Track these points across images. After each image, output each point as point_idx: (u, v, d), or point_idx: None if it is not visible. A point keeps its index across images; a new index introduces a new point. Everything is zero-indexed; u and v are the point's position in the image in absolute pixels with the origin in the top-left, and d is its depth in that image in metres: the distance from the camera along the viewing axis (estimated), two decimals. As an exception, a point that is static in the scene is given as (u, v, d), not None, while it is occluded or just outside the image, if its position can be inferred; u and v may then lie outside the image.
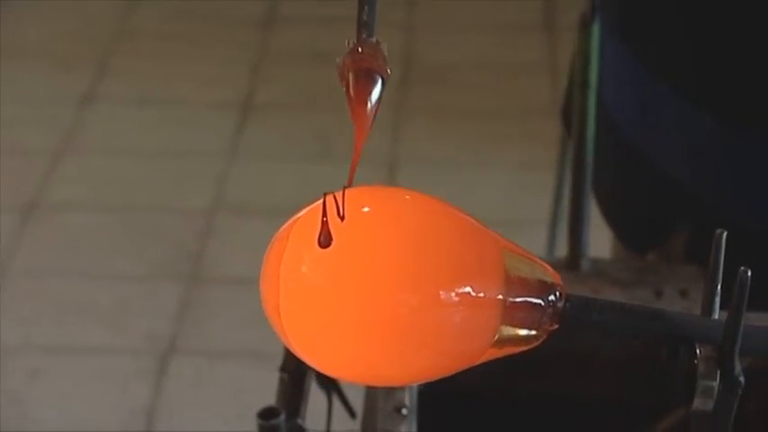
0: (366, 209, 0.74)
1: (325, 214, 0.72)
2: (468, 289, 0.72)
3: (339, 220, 0.72)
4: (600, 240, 1.43)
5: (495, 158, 2.95)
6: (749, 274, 0.73)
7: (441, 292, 0.72)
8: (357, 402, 1.14)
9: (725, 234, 0.77)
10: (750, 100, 1.20)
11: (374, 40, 0.77)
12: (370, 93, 0.75)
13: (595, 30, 1.18)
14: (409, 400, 1.05)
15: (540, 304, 0.74)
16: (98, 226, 2.80)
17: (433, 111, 3.14)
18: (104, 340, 2.49)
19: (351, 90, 0.75)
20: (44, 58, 3.41)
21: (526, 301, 0.74)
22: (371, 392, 1.08)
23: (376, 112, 0.75)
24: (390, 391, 1.06)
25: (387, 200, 0.76)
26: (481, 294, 0.73)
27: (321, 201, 0.72)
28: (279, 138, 3.09)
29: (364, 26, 0.77)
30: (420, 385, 1.09)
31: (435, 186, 3.11)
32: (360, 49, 0.76)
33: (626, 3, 1.27)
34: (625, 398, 1.14)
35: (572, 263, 1.23)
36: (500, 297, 0.73)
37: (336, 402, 1.13)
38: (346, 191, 0.73)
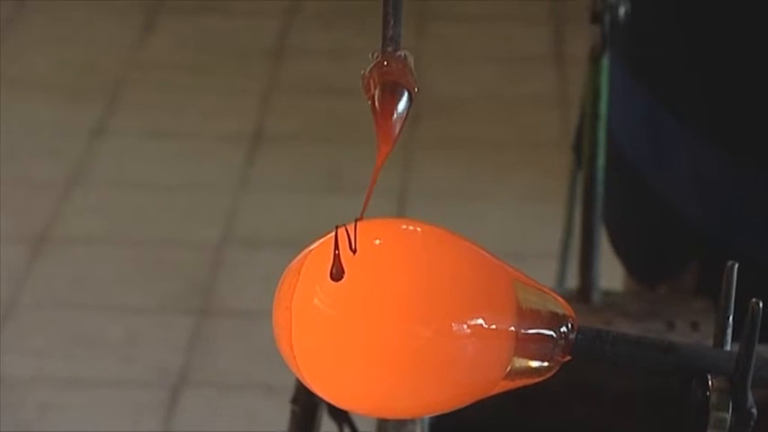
0: (378, 241, 0.74)
1: (337, 247, 0.72)
2: (480, 321, 0.73)
3: (351, 253, 0.72)
4: (611, 272, 1.43)
5: (504, 190, 2.95)
6: (761, 305, 0.73)
7: (453, 324, 0.72)
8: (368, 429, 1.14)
9: (736, 266, 0.77)
10: (758, 134, 1.21)
11: (402, 53, 0.76)
12: (396, 106, 0.74)
13: (605, 62, 1.19)
14: (421, 429, 1.06)
15: (552, 336, 0.75)
16: (108, 259, 2.80)
17: (442, 143, 3.15)
18: (115, 373, 2.50)
19: (377, 103, 0.74)
20: (54, 89, 3.42)
21: (538, 333, 0.74)
22: (383, 425, 1.08)
23: (402, 126, 0.75)
24: (401, 424, 1.06)
25: (398, 232, 0.76)
26: (493, 326, 0.73)
27: (333, 233, 0.73)
28: (289, 170, 3.10)
29: (390, 39, 0.76)
30: (431, 419, 1.09)
31: (445, 217, 3.15)
32: (386, 62, 0.75)
33: (635, 36, 1.28)
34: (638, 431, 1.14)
35: (583, 295, 1.23)
36: (512, 329, 0.73)
37: (348, 433, 1.14)
38: (358, 223, 0.74)
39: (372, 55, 0.76)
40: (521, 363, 0.75)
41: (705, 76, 1.22)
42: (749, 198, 1.23)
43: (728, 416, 0.74)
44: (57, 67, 3.52)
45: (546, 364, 0.76)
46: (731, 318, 0.78)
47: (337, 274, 0.72)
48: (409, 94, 0.74)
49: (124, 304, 2.67)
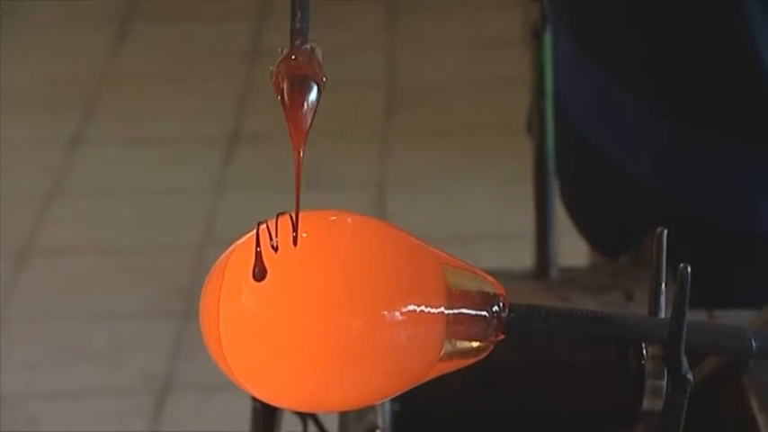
0: (304, 235, 0.73)
1: (258, 245, 0.72)
2: (410, 307, 0.72)
3: (273, 250, 0.72)
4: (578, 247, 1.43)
5: (481, 174, 2.95)
6: (689, 270, 0.73)
7: (383, 312, 0.72)
8: (333, 426, 1.14)
9: (665, 232, 0.77)
10: (709, 103, 1.21)
11: (308, 46, 0.76)
12: (305, 99, 0.74)
13: (547, 39, 1.18)
14: (382, 421, 1.05)
15: (483, 316, 0.74)
16: (91, 267, 2.80)
17: (418, 133, 3.15)
18: (101, 381, 2.49)
19: (286, 97, 0.74)
20: (31, 102, 3.42)
21: (470, 314, 0.74)
22: (344, 417, 1.07)
23: (312, 118, 0.75)
24: (362, 413, 1.05)
25: (323, 225, 0.76)
26: (424, 310, 0.73)
27: (255, 230, 0.72)
28: (266, 170, 3.09)
29: (298, 33, 0.76)
30: (393, 405, 1.09)
31: (425, 205, 3.12)
32: (294, 57, 0.75)
33: (581, 11, 1.28)
34: (600, 405, 1.14)
35: (541, 272, 1.23)
36: (443, 311, 0.73)
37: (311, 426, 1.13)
38: (279, 219, 0.73)
39: (281, 50, 0.76)
40: (454, 345, 0.75)
41: (653, 47, 1.22)
42: (704, 167, 1.23)
43: (664, 383, 0.74)
44: (34, 80, 3.51)
45: (480, 343, 0.75)
46: (664, 285, 0.78)
47: (260, 273, 0.71)
48: (318, 86, 0.74)
49: (109, 312, 2.67)
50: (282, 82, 0.74)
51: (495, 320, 0.75)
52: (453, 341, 0.74)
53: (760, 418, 1.05)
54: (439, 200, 2.81)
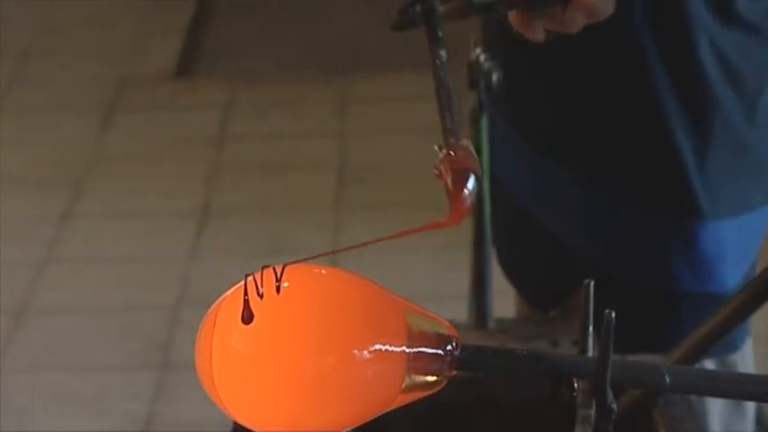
0: (286, 284, 0.75)
1: (246, 293, 0.73)
2: (376, 346, 0.73)
3: (258, 298, 0.73)
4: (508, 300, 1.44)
5: (421, 242, 2.96)
6: (613, 315, 0.74)
7: (354, 351, 0.73)
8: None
9: (592, 284, 0.78)
10: (625, 175, 1.22)
11: (463, 142, 0.79)
12: (465, 187, 0.77)
13: (484, 123, 1.20)
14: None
15: (439, 354, 0.75)
16: (79, 325, 2.78)
17: (366, 205, 3.16)
18: (90, 425, 2.47)
19: (450, 186, 0.78)
20: (25, 182, 3.40)
21: (427, 352, 0.75)
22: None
23: (471, 203, 0.78)
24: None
25: (303, 276, 0.77)
26: (388, 349, 0.74)
27: (243, 282, 0.73)
28: (234, 239, 3.09)
29: (451, 132, 0.81)
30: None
31: (373, 269, 3.11)
32: (453, 152, 0.79)
33: (517, 104, 1.29)
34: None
35: (480, 323, 1.24)
36: (404, 350, 0.74)
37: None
38: (264, 271, 0.74)
39: (438, 147, 0.79)
40: (414, 378, 0.75)
41: (581, 135, 1.23)
42: (628, 234, 1.24)
43: (593, 412, 0.75)
44: (27, 163, 3.50)
45: (436, 378, 0.76)
46: (591, 328, 0.79)
47: (248, 317, 0.72)
48: (475, 175, 0.78)
49: (95, 364, 2.65)
50: (447, 174, 0.78)
51: (449, 358, 0.76)
52: (413, 376, 0.75)
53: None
54: (385, 264, 2.80)
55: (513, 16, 0.94)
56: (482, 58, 1.18)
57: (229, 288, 0.76)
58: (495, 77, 1.18)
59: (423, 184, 3.25)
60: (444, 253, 2.79)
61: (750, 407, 1.31)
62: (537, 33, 0.92)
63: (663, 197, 1.19)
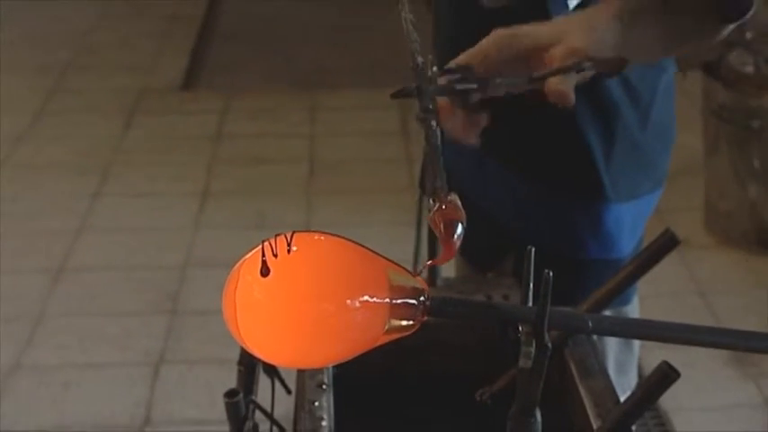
0: (294, 248, 0.73)
1: (263, 254, 0.71)
2: (365, 297, 0.72)
3: (274, 257, 0.71)
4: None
5: (374, 220, 2.95)
6: (551, 275, 0.73)
7: (348, 301, 0.71)
8: (291, 381, 1.12)
9: (533, 250, 0.77)
10: (547, 170, 1.20)
11: (451, 197, 0.79)
12: (454, 233, 0.78)
13: (433, 123, 1.18)
14: (327, 378, 1.04)
15: (414, 303, 0.74)
16: (107, 281, 2.73)
17: (332, 191, 3.13)
18: (114, 357, 2.43)
19: (442, 233, 0.78)
20: (65, 168, 3.35)
21: (405, 302, 0.74)
22: (301, 375, 1.06)
23: (458, 244, 0.78)
24: (314, 373, 1.04)
25: (308, 240, 0.75)
26: (375, 300, 0.72)
27: (260, 245, 0.72)
28: (228, 215, 3.06)
29: (441, 189, 0.80)
30: (334, 367, 1.07)
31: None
32: (444, 206, 0.79)
33: None
34: (479, 372, 1.13)
35: (431, 281, 1.22)
36: (387, 300, 0.73)
37: (277, 384, 1.11)
38: (278, 237, 0.72)
39: (431, 201, 0.80)
40: (394, 323, 0.74)
41: (514, 138, 1.21)
42: (548, 213, 1.22)
43: (533, 349, 0.74)
44: (67, 153, 3.43)
45: (411, 322, 0.75)
46: (531, 285, 0.78)
47: (265, 271, 0.70)
48: (462, 224, 0.78)
49: (119, 311, 2.61)
50: (440, 223, 0.78)
51: (421, 306, 0.74)
52: (393, 321, 0.74)
53: (578, 380, 1.05)
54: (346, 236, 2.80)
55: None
56: (434, 69, 1.16)
57: (247, 252, 0.74)
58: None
59: (376, 175, 3.25)
60: (393, 227, 2.77)
61: (636, 346, 1.31)
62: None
63: (577, 185, 1.18)
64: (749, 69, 2.62)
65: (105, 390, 2.32)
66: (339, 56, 4.09)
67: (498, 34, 0.94)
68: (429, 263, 0.83)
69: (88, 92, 3.90)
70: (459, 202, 0.78)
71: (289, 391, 1.12)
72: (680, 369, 0.80)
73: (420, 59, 0.79)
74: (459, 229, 0.77)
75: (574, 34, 0.92)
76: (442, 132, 1.14)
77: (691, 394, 2.15)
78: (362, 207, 3.02)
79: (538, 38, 0.94)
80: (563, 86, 0.89)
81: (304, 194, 3.14)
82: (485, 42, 0.95)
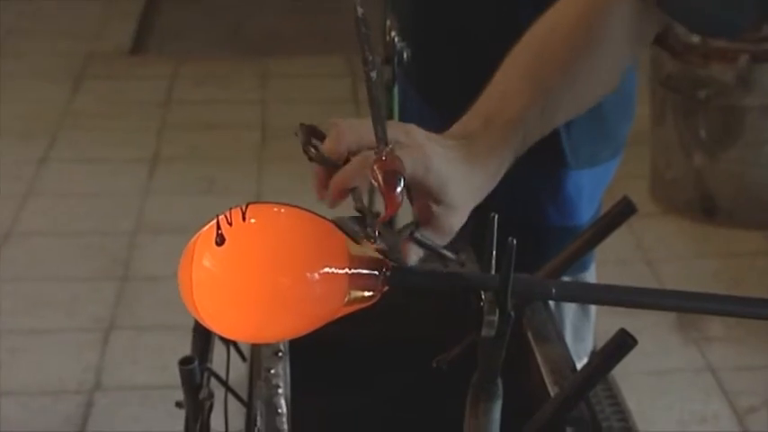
0: (252, 220, 0.69)
1: (218, 225, 0.67)
2: (325, 269, 0.69)
3: (229, 225, 0.67)
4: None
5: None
6: (514, 242, 0.71)
7: (307, 273, 0.68)
8: (246, 349, 1.09)
9: (496, 217, 0.75)
10: None
11: (390, 148, 0.73)
12: (397, 185, 0.72)
13: (395, 91, 1.16)
14: (283, 345, 1.01)
15: (375, 274, 0.71)
16: (54, 246, 2.67)
17: (283, 158, 3.08)
18: (62, 323, 2.38)
19: (382, 185, 0.72)
20: (10, 132, 3.26)
21: (364, 273, 0.71)
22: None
23: (402, 197, 0.72)
24: (271, 340, 1.01)
25: (264, 212, 0.71)
26: (334, 271, 0.69)
27: (215, 218, 0.68)
28: (177, 181, 3.00)
29: (381, 141, 0.74)
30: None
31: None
32: (384, 158, 0.73)
33: (425, 78, 1.23)
34: (437, 339, 1.11)
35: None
36: (347, 271, 0.70)
37: (232, 350, 1.08)
38: (233, 209, 0.69)
39: (374, 153, 0.73)
40: (355, 294, 0.71)
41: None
42: (510, 179, 1.19)
43: (495, 318, 0.72)
44: (12, 118, 3.34)
45: (372, 293, 0.72)
46: (494, 253, 0.75)
47: (220, 240, 0.67)
48: (403, 176, 0.72)
49: (67, 276, 2.54)
50: (378, 174, 0.73)
51: (381, 277, 0.72)
52: (353, 292, 0.71)
53: (535, 347, 1.04)
54: (297, 203, 2.76)
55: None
56: (396, 39, 1.13)
57: (202, 227, 0.70)
58: (405, 55, 1.14)
59: (327, 141, 3.21)
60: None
61: (592, 313, 1.30)
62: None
63: (538, 151, 1.16)
64: (696, 39, 2.62)
65: (54, 356, 2.27)
66: (291, 22, 4.03)
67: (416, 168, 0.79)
68: (378, 220, 0.75)
69: (34, 56, 3.80)
70: (400, 156, 0.74)
71: (244, 359, 1.09)
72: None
73: (360, 10, 0.75)
74: (401, 181, 0.72)
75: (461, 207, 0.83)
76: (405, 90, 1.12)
77: (637, 359, 2.16)
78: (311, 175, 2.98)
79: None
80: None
81: (255, 161, 3.09)
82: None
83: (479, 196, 0.84)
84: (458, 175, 0.81)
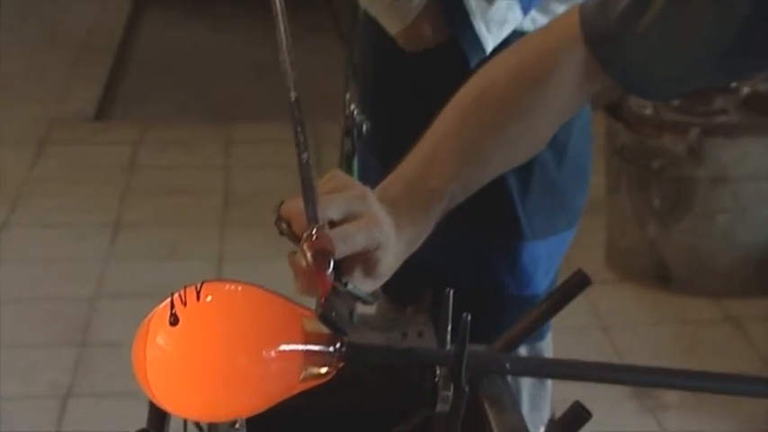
0: (208, 298, 0.69)
1: (172, 304, 0.67)
2: (281, 347, 0.69)
3: (183, 305, 0.67)
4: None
5: (287, 252, 2.90)
6: (469, 318, 0.71)
7: (263, 351, 0.68)
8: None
9: (452, 292, 0.75)
10: (468, 215, 1.17)
11: (321, 224, 0.73)
12: (326, 264, 0.71)
13: (355, 162, 1.16)
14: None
15: (330, 351, 0.71)
16: (14, 311, 2.62)
17: (246, 223, 3.08)
18: (20, 389, 2.33)
19: (311, 264, 0.71)
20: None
21: (320, 350, 0.71)
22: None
23: (332, 277, 0.72)
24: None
25: (219, 290, 0.71)
26: (289, 349, 0.69)
27: (170, 296, 0.68)
28: (139, 246, 2.97)
29: (312, 219, 0.74)
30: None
31: (250, 273, 3.04)
32: (314, 236, 0.72)
33: (382, 148, 1.23)
34: (392, 409, 1.10)
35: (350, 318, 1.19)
36: (302, 349, 0.70)
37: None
38: (187, 288, 0.68)
39: (305, 235, 0.73)
40: (310, 371, 0.71)
41: None
42: (468, 253, 1.20)
43: (450, 393, 0.72)
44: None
45: (327, 369, 0.72)
46: (449, 328, 0.75)
47: (174, 320, 0.67)
48: (332, 254, 0.72)
49: (26, 342, 2.50)
50: (307, 252, 0.72)
51: (337, 353, 0.71)
52: (309, 368, 0.71)
53: (492, 418, 1.03)
54: (259, 269, 2.74)
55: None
56: (355, 112, 1.14)
57: (161, 302, 0.70)
58: (365, 127, 1.14)
59: (289, 208, 3.21)
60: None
61: (549, 382, 1.30)
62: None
63: (494, 222, 1.17)
64: (648, 111, 2.67)
65: (11, 423, 2.21)
66: (255, 88, 4.05)
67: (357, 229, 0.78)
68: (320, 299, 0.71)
69: (-3, 120, 3.78)
70: (330, 235, 0.73)
71: (201, 430, 1.07)
72: (584, 401, 0.78)
73: (294, 94, 0.76)
74: (330, 259, 0.72)
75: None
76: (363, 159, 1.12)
77: (593, 426, 2.16)
78: (276, 239, 2.95)
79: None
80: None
81: (217, 226, 3.08)
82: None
83: (397, 265, 0.82)
84: (392, 244, 0.79)
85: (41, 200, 3.22)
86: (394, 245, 0.79)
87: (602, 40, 0.83)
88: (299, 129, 0.75)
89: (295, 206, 0.77)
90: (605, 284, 2.73)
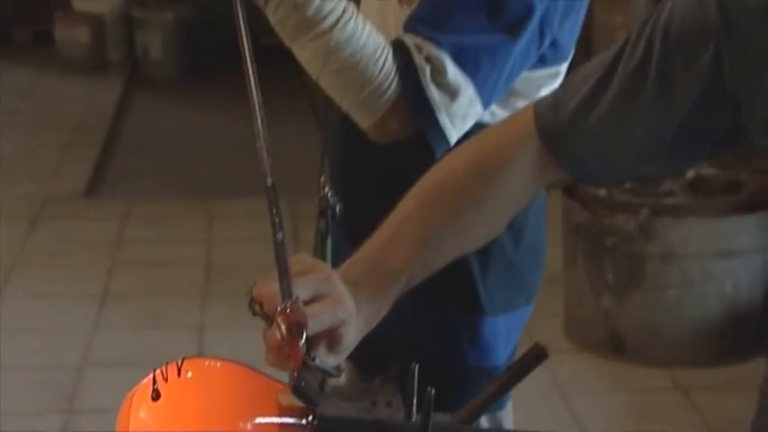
0: (189, 374, 0.69)
1: (155, 380, 0.67)
2: (257, 420, 0.69)
3: (164, 381, 0.67)
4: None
5: (261, 321, 2.88)
6: (433, 391, 0.71)
7: (240, 424, 0.68)
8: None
9: (417, 366, 0.75)
10: (435, 290, 1.17)
11: (296, 299, 0.74)
12: (298, 337, 0.72)
13: (329, 241, 1.17)
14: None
15: (302, 423, 0.71)
16: (7, 380, 2.58)
17: (226, 293, 3.05)
18: (7, 457, 2.28)
19: (285, 335, 0.72)
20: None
21: (293, 422, 0.71)
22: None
23: (305, 348, 0.72)
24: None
25: (200, 366, 0.71)
26: (265, 421, 0.69)
27: (152, 371, 0.68)
28: (126, 316, 2.95)
29: (287, 294, 0.74)
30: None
31: (231, 342, 3.01)
32: (288, 310, 0.73)
33: (354, 231, 1.23)
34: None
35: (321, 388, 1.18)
36: (276, 421, 0.70)
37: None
38: (169, 364, 0.68)
39: (278, 308, 0.73)
40: (284, 441, 0.70)
41: None
42: (430, 323, 1.19)
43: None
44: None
45: (300, 441, 0.71)
46: (415, 400, 0.75)
47: (156, 396, 0.67)
48: (304, 328, 0.72)
49: (14, 410, 2.45)
50: (282, 325, 0.73)
51: (309, 426, 0.71)
52: (283, 439, 0.70)
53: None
54: (238, 337, 2.71)
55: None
56: (329, 194, 1.15)
57: (145, 376, 0.69)
58: (338, 208, 1.15)
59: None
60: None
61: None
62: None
63: (456, 300, 1.17)
64: (602, 193, 2.70)
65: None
66: (237, 166, 4.06)
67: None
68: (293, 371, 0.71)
69: (-8, 199, 3.76)
70: (302, 308, 0.73)
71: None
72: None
73: (270, 180, 0.77)
74: (303, 333, 0.72)
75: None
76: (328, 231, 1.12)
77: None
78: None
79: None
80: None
81: (199, 297, 3.06)
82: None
83: (358, 340, 0.83)
84: (353, 321, 0.80)
85: (33, 272, 3.19)
86: (355, 322, 0.80)
87: (554, 135, 0.85)
88: (274, 211, 0.75)
89: (266, 288, 0.77)
90: (563, 354, 2.73)
